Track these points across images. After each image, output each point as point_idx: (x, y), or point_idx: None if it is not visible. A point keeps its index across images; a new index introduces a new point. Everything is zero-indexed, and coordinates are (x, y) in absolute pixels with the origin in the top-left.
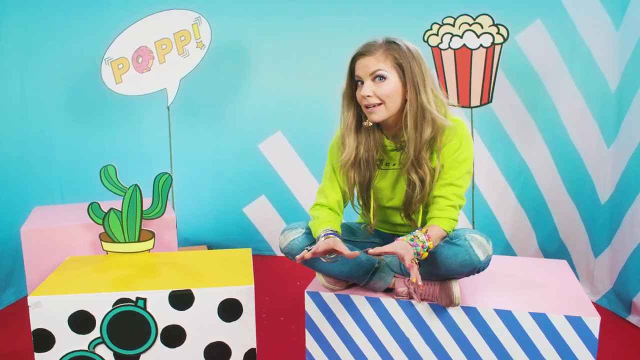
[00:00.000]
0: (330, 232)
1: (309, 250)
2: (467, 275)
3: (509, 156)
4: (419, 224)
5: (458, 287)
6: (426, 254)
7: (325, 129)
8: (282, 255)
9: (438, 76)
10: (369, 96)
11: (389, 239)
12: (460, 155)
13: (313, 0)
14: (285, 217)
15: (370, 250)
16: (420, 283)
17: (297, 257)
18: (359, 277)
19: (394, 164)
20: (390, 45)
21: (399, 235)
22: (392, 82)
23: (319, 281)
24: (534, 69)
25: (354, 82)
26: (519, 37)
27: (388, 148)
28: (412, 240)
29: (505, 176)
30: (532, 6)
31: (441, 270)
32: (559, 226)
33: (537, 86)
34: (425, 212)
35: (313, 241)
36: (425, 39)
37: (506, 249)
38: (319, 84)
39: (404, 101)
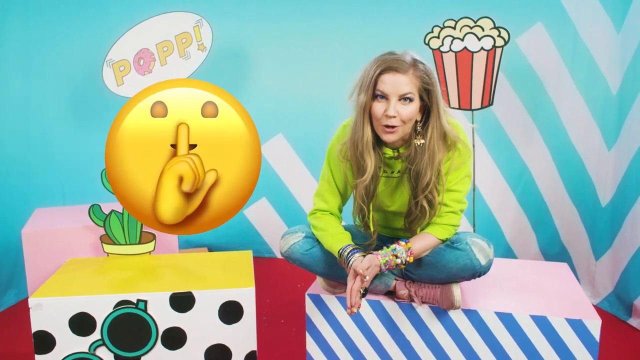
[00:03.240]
0: (355, 250)
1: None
2: (469, 279)
3: (510, 159)
4: (418, 231)
5: (459, 290)
6: (410, 260)
7: (326, 131)
8: (283, 258)
9: (439, 79)
10: (394, 116)
11: (389, 241)
12: (457, 160)
13: (314, 3)
14: (286, 219)
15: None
16: (359, 299)
17: (352, 309)
18: None
19: (392, 172)
20: (417, 65)
21: (399, 238)
22: (415, 106)
23: (319, 284)
24: (534, 71)
25: (373, 96)
26: (519, 40)
27: (386, 156)
28: (388, 252)
29: (506, 179)
30: (533, 9)
31: (442, 274)
32: (559, 229)
33: (538, 89)
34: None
35: (314, 245)
36: (427, 42)
37: (507, 252)
38: (320, 87)
39: (413, 123)
